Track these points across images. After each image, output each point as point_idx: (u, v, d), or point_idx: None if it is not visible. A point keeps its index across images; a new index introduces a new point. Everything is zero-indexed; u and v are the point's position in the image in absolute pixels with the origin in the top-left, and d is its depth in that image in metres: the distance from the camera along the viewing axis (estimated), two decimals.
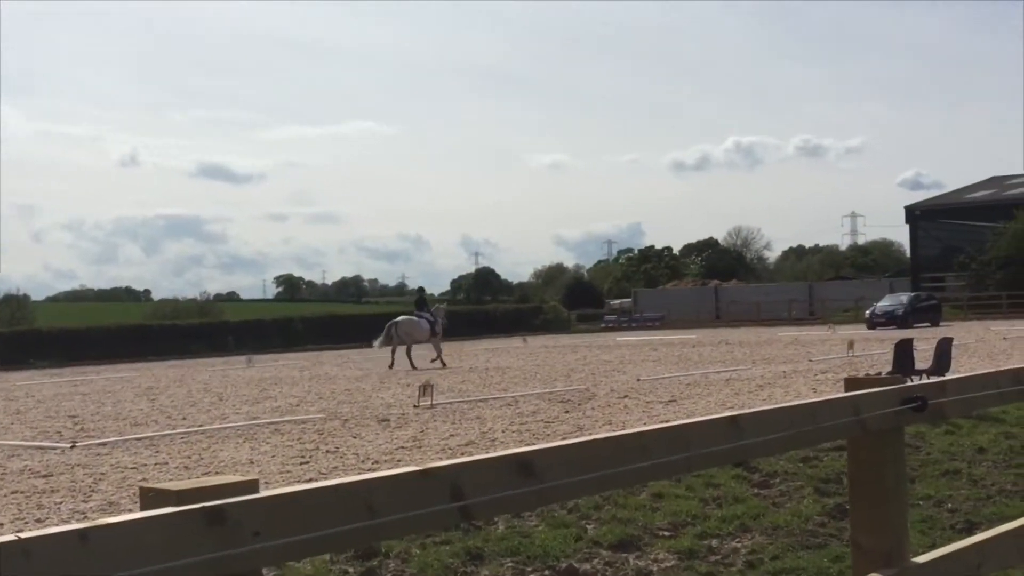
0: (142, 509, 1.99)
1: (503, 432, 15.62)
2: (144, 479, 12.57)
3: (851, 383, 4.00)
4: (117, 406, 23.84)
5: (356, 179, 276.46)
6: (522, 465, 2.53)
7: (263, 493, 2.09)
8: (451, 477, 2.38)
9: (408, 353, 34.74)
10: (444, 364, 34.54)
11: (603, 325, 78.40)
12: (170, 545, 1.88)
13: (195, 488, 2.01)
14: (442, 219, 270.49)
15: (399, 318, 36.56)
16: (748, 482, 10.02)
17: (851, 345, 31.74)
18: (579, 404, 19.38)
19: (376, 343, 37.33)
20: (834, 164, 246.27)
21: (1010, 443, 11.90)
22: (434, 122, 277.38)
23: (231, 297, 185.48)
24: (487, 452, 2.56)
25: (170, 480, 9.58)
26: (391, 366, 34.36)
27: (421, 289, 43.66)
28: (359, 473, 2.24)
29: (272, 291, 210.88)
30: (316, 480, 8.83)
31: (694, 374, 25.86)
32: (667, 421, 3.04)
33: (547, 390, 22.80)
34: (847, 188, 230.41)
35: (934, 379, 4.55)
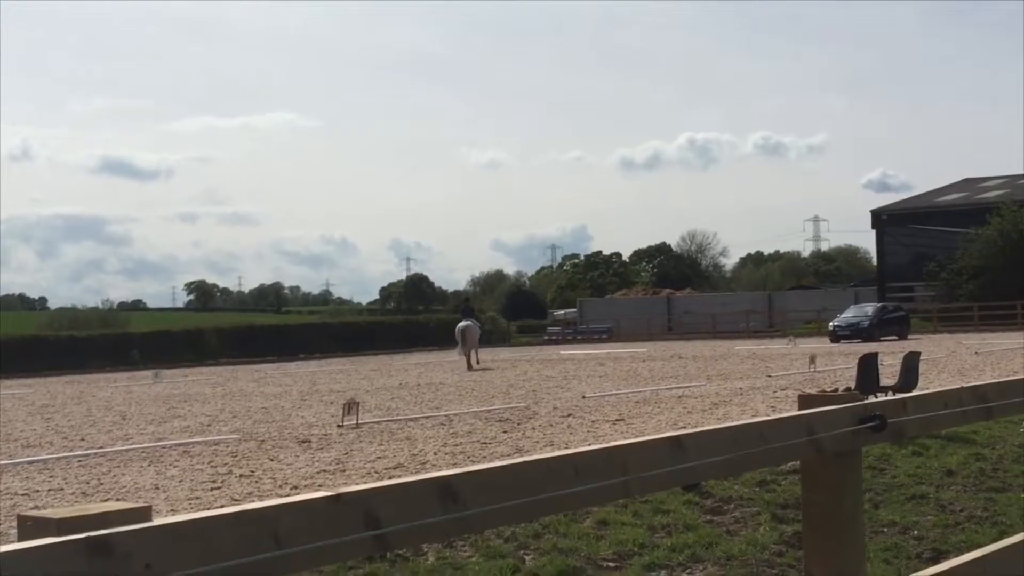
0: (20, 539, 1.97)
1: (435, 454, 15.60)
2: (36, 507, 12.41)
3: (805, 400, 4.04)
4: (7, 426, 23.50)
5: (274, 176, 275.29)
6: (444, 489, 2.53)
7: (156, 522, 2.07)
8: (365, 503, 2.37)
9: (469, 355, 41.34)
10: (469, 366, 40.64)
11: (546, 337, 78.61)
12: None
13: (78, 516, 1.99)
14: (370, 221, 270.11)
15: (466, 323, 42.29)
16: (700, 508, 10.08)
17: (813, 360, 32.09)
18: (519, 424, 19.39)
19: (457, 351, 43.64)
20: (795, 163, 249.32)
21: (980, 465, 12.07)
22: (360, 114, 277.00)
23: (136, 306, 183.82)
24: (412, 476, 2.56)
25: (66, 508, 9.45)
26: (468, 367, 40.29)
27: (467, 299, 53.52)
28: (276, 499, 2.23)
29: (182, 299, 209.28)
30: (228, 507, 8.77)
31: (644, 391, 25.99)
32: (613, 442, 3.08)
33: (484, 408, 22.80)
34: (809, 190, 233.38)
35: (900, 396, 4.60)
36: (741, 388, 25.54)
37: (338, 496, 2.33)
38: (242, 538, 2.15)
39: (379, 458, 15.40)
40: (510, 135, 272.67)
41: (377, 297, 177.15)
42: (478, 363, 41.94)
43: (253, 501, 11.89)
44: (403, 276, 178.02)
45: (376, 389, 31.18)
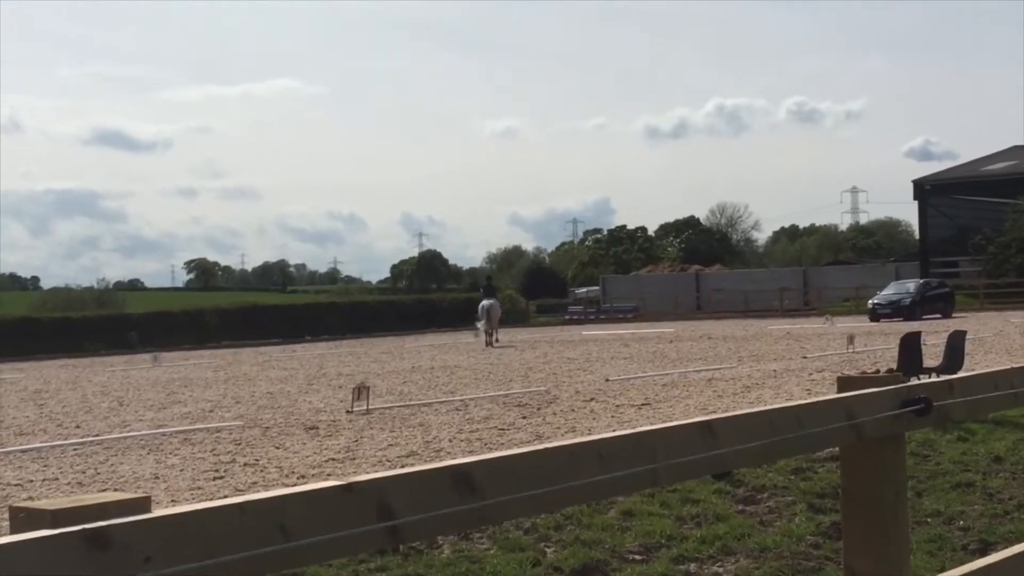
0: (12, 532, 1.97)
1: (450, 441, 15.64)
2: (30, 498, 12.47)
3: (844, 383, 4.03)
4: None
5: (277, 147, 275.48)
6: (460, 479, 2.53)
7: (156, 513, 2.07)
8: (377, 493, 2.37)
9: (489, 332, 45.50)
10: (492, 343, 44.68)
11: (567, 317, 78.54)
12: (44, 575, 1.86)
13: (74, 507, 1.99)
14: (379, 195, 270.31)
15: (488, 302, 46.79)
16: (732, 498, 10.09)
17: (851, 340, 32.02)
18: (538, 409, 19.42)
19: (480, 324, 47.28)
20: (832, 131, 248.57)
21: None
22: (368, 81, 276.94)
23: (134, 285, 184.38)
24: (427, 464, 2.56)
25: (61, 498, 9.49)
26: (487, 344, 44.57)
27: (489, 277, 60.57)
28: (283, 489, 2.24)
29: (182, 278, 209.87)
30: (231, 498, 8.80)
31: (671, 374, 25.98)
32: (640, 427, 3.09)
33: (502, 392, 22.83)
34: (847, 159, 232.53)
35: (943, 378, 4.58)
36: (775, 370, 25.51)
37: (349, 486, 2.33)
38: (247, 530, 2.16)
39: (391, 445, 15.44)
40: (527, 102, 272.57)
41: (388, 275, 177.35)
42: (497, 341, 45.14)
43: (258, 491, 11.94)
44: (415, 253, 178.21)
45: (387, 372, 31.23)
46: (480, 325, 47.11)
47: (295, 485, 3.08)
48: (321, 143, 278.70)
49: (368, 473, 2.52)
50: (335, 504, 2.30)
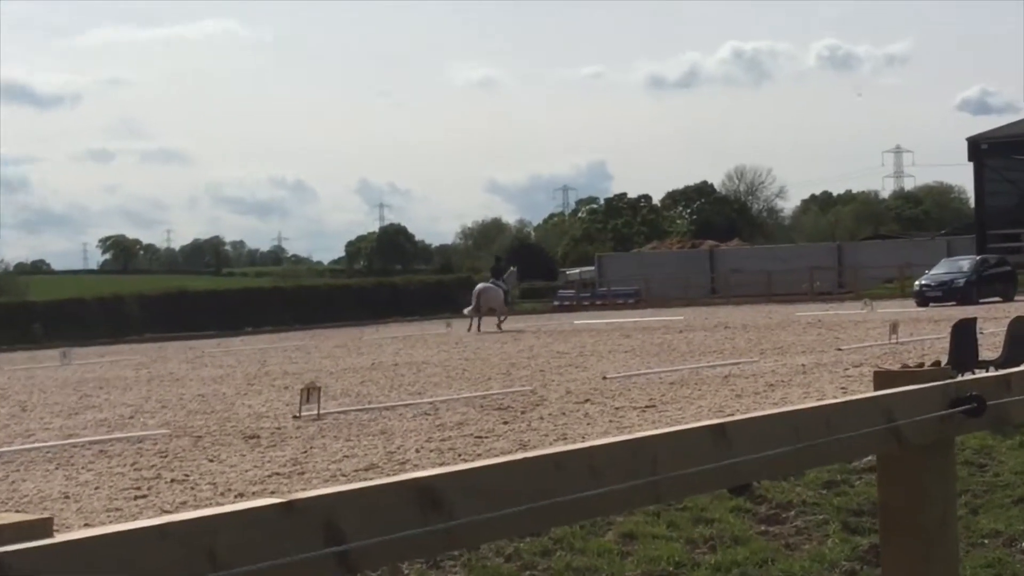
0: None
1: (417, 452, 15.65)
2: None
3: (882, 378, 4.04)
4: None
5: (210, 103, 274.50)
6: (423, 494, 2.53)
7: (60, 538, 2.07)
8: (325, 512, 2.37)
9: (479, 320, 49.76)
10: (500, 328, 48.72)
11: (557, 303, 78.67)
12: None
13: None
14: (332, 158, 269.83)
15: (482, 285, 51.61)
16: (752, 516, 10.13)
17: (895, 328, 32.11)
18: (523, 412, 19.43)
19: (467, 311, 51.64)
20: (871, 79, 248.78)
21: None
22: (319, 23, 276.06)
23: (38, 268, 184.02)
24: (385, 478, 2.57)
25: None
26: (469, 329, 49.07)
27: (498, 259, 60.99)
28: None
29: (96, 259, 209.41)
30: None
31: (681, 370, 26.04)
32: (638, 433, 3.09)
33: (479, 393, 22.85)
34: (889, 113, 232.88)
35: (1000, 373, 4.60)
36: (804, 365, 25.58)
37: (290, 504, 2.33)
38: (169, 557, 2.15)
39: (346, 457, 15.44)
40: (507, 46, 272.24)
41: (342, 254, 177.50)
42: (499, 328, 49.06)
43: (187, 511, 11.95)
44: (375, 228, 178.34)
45: (342, 370, 31.23)
46: (466, 312, 51.47)
47: (230, 504, 3.11)
48: (262, 97, 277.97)
49: (315, 489, 2.52)
50: (274, 526, 2.30)
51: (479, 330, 48.89)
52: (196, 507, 12.42)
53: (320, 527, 2.37)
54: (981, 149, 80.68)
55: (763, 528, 9.85)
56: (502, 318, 50.50)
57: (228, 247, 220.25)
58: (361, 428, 18.40)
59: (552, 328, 50.05)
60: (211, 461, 15.82)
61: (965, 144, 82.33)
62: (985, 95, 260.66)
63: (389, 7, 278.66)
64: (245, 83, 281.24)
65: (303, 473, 14.37)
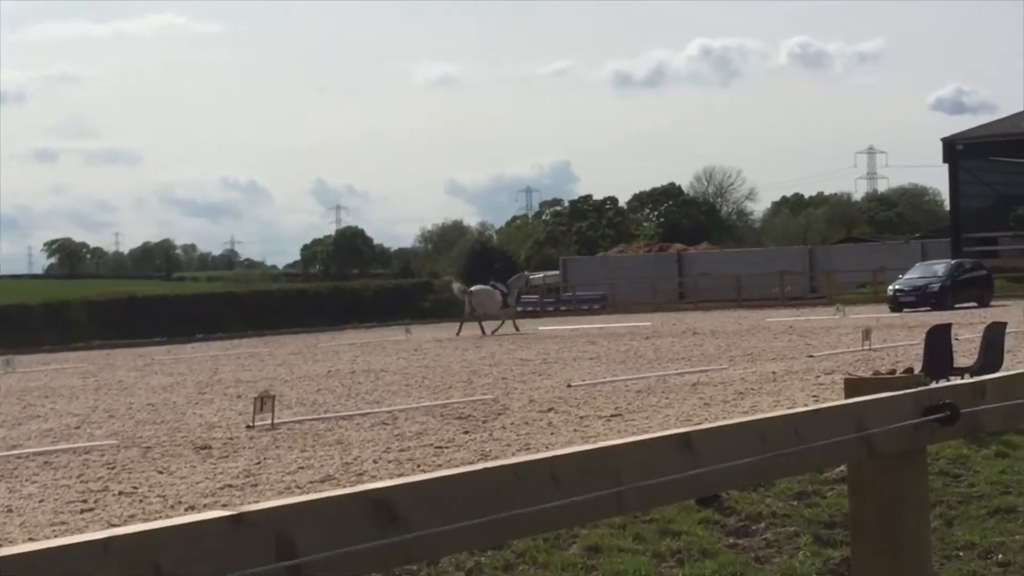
0: None
1: (375, 462, 15.63)
2: None
3: (853, 385, 4.06)
4: None
5: (159, 100, 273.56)
6: (379, 506, 2.53)
7: (0, 552, 2.06)
8: (276, 525, 2.37)
9: (480, 322, 50.95)
10: (516, 328, 51.15)
11: (520, 308, 78.64)
12: None
13: None
14: (286, 159, 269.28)
15: (476, 288, 53.05)
16: (721, 529, 10.14)
17: (867, 334, 32.24)
18: (484, 421, 19.43)
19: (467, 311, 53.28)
20: (843, 78, 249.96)
21: None
22: (272, 17, 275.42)
23: None
24: (339, 489, 2.56)
25: None
26: (484, 334, 49.55)
27: (498, 262, 63.40)
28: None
29: (41, 263, 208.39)
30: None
31: (648, 377, 26.07)
32: (602, 442, 3.10)
33: (439, 402, 22.83)
34: (861, 113, 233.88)
35: (974, 380, 4.63)
36: (774, 372, 25.66)
37: (240, 516, 2.33)
38: (113, 572, 2.15)
39: (301, 468, 15.40)
40: (468, 43, 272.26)
41: (298, 258, 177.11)
42: (494, 332, 50.26)
43: (135, 525, 11.91)
44: (331, 231, 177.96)
45: (297, 378, 31.16)
46: (469, 312, 53.05)
47: (179, 517, 3.10)
48: (213, 95, 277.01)
49: (267, 502, 2.52)
50: (223, 539, 2.30)
51: (484, 333, 49.85)
52: (145, 520, 12.38)
53: (271, 540, 2.36)
54: (956, 150, 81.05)
55: (732, 541, 9.87)
56: (500, 322, 51.83)
57: (179, 251, 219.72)
58: (317, 438, 18.35)
59: (515, 334, 50.06)
60: (161, 473, 15.75)
61: (940, 145, 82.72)
62: (960, 94, 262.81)
63: (345, 2, 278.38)
64: (196, 80, 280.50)
65: (256, 485, 14.33)
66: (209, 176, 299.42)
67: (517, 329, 51.01)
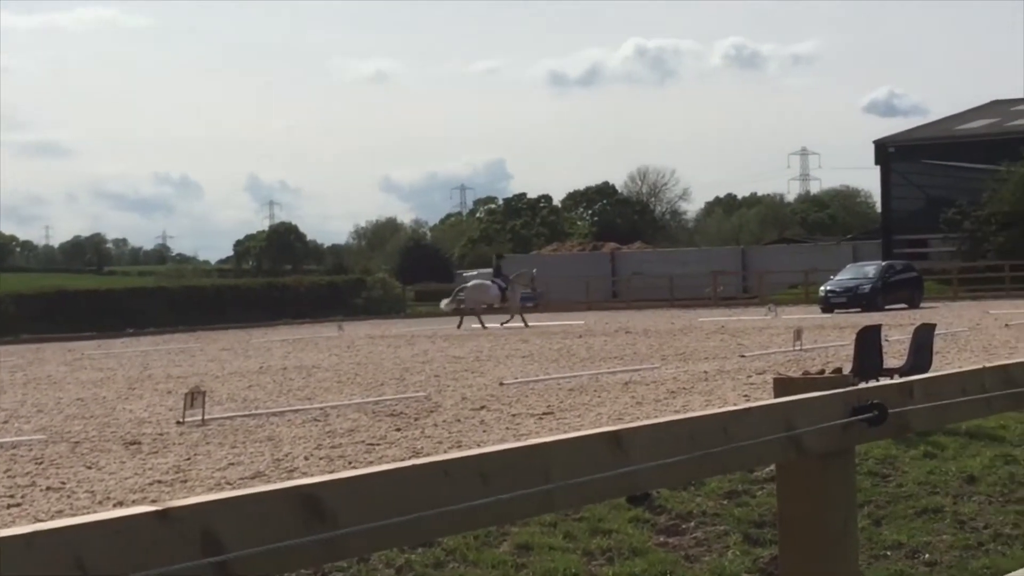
0: None
1: (306, 459, 15.58)
2: None
3: (782, 385, 4.07)
4: None
5: (89, 93, 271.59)
6: (306, 502, 2.52)
7: None
8: (202, 520, 2.35)
9: (479, 317, 51.83)
10: (505, 322, 51.35)
11: (453, 306, 78.59)
12: None
13: None
14: (219, 153, 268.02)
15: (475, 281, 54.86)
16: (651, 527, 10.17)
17: (799, 335, 32.42)
18: (416, 419, 19.41)
19: (443, 303, 55.34)
20: (777, 80, 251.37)
21: (1010, 469, 12.29)
22: (204, 10, 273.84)
23: None
24: (264, 485, 2.55)
25: None
26: (484, 327, 50.54)
27: (500, 256, 66.25)
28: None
29: None
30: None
31: (581, 376, 26.12)
32: (531, 439, 3.12)
33: (371, 399, 22.80)
34: (795, 114, 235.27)
35: (906, 380, 4.66)
36: (706, 371, 25.75)
37: (165, 512, 2.31)
38: (35, 567, 2.13)
39: (231, 465, 15.34)
40: (402, 40, 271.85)
41: (230, 254, 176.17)
42: (504, 324, 51.45)
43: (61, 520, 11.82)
44: (264, 226, 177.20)
45: (228, 374, 31.02)
46: (443, 303, 55.25)
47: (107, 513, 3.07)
48: (145, 88, 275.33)
49: (191, 497, 2.50)
50: (148, 535, 2.28)
51: (483, 326, 50.58)
52: (73, 516, 12.30)
53: (197, 536, 2.35)
54: (888, 152, 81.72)
55: (662, 539, 9.90)
56: (510, 316, 52.69)
57: (110, 245, 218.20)
58: (247, 434, 18.29)
59: (448, 332, 50.03)
60: (89, 468, 15.65)
61: (872, 147, 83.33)
62: (892, 97, 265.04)
63: None
64: (128, 73, 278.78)
65: (186, 481, 14.26)
66: (141, 170, 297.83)
67: (525, 324, 50.73)
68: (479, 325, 50.85)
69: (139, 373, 32.75)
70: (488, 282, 54.63)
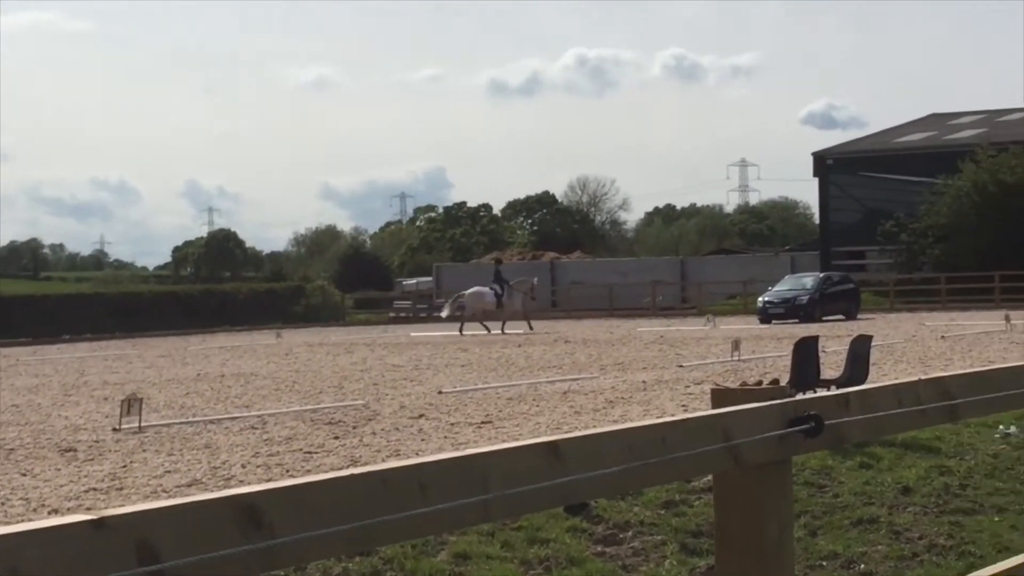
0: None
1: (243, 467, 15.53)
2: None
3: (720, 396, 4.09)
4: None
5: (26, 97, 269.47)
6: (244, 512, 2.51)
7: None
8: (138, 529, 2.34)
9: (482, 322, 53.88)
10: (531, 328, 53.09)
11: (392, 315, 78.56)
12: None
13: None
14: (157, 159, 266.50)
15: (474, 289, 55.59)
16: (589, 537, 10.18)
17: (737, 345, 32.57)
18: (355, 427, 19.37)
19: (444, 312, 57.08)
20: (716, 91, 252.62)
21: (945, 481, 12.39)
22: (144, 15, 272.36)
23: None
24: (200, 494, 2.54)
25: None
26: (488, 331, 52.22)
27: (497, 260, 67.23)
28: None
29: None
30: None
31: (519, 385, 26.12)
32: (470, 449, 3.12)
33: (310, 407, 22.73)
34: (734, 126, 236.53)
35: (842, 391, 4.69)
36: (645, 381, 25.82)
37: (101, 520, 2.30)
38: None
39: (168, 472, 15.26)
40: (342, 47, 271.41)
41: (169, 260, 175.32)
42: (503, 331, 52.40)
43: None
44: (203, 233, 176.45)
45: (166, 381, 30.87)
46: (444, 312, 56.98)
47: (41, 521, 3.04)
48: (83, 92, 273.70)
49: (127, 505, 2.49)
50: (83, 544, 2.27)
51: (488, 331, 52.27)
52: (7, 524, 12.20)
53: (133, 545, 2.34)
54: (826, 164, 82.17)
55: (600, 549, 9.91)
56: (504, 320, 54.20)
57: (47, 250, 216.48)
58: (184, 442, 18.20)
59: (387, 340, 49.97)
60: (24, 475, 15.54)
61: (810, 159, 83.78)
62: (831, 109, 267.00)
63: (217, 2, 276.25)
64: (64, 77, 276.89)
65: (122, 489, 14.17)
66: (79, 176, 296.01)
67: (531, 328, 52.93)
68: (485, 331, 52.37)
69: (75, 380, 32.54)
70: (487, 289, 55.63)
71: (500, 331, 52.26)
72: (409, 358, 36.98)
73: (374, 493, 2.77)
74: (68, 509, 12.96)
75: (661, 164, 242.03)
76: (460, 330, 52.77)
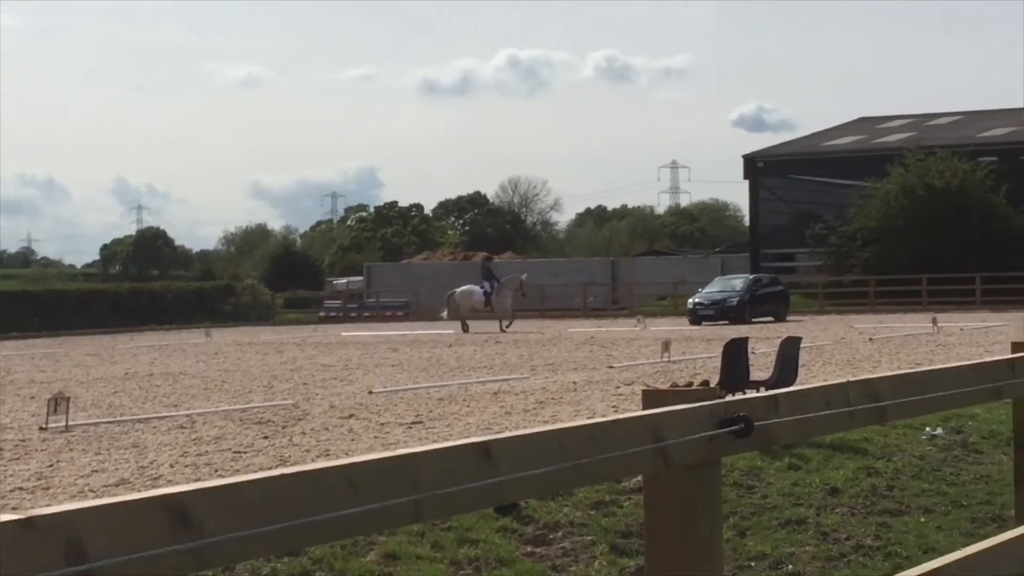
0: None
1: (171, 467, 15.45)
2: None
3: (650, 397, 4.10)
4: None
5: None
6: (172, 511, 2.50)
7: None
8: (66, 529, 2.33)
9: (463, 321, 54.36)
10: (507, 327, 53.16)
11: (322, 314, 78.43)
12: None
13: None
14: (85, 156, 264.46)
15: (463, 288, 56.87)
16: (519, 537, 10.20)
17: (667, 346, 32.68)
18: (284, 427, 19.31)
19: (444, 313, 57.36)
20: (648, 92, 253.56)
21: (872, 482, 12.50)
22: (73, 10, 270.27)
23: None
24: (129, 494, 2.53)
25: None
26: (465, 331, 52.85)
27: (487, 258, 68.25)
28: None
29: None
30: None
31: (450, 385, 26.13)
32: (401, 450, 3.12)
33: (239, 407, 22.65)
34: (665, 127, 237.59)
35: (772, 393, 4.72)
36: (575, 382, 25.87)
37: (29, 520, 2.29)
38: None
39: (96, 472, 15.17)
40: (273, 44, 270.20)
41: (97, 258, 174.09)
42: (503, 329, 52.99)
43: None
44: (131, 231, 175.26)
45: (93, 380, 30.67)
46: (443, 315, 57.08)
47: None
48: (9, 88, 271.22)
49: (54, 505, 2.47)
50: (11, 544, 2.25)
51: (465, 330, 52.91)
52: None
53: (60, 545, 2.33)
54: (757, 167, 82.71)
55: (530, 549, 9.93)
56: (500, 319, 54.62)
57: None
58: (112, 441, 18.09)
59: (317, 340, 49.86)
60: None
61: (741, 161, 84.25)
62: (762, 112, 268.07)
63: None
64: None
65: (48, 488, 14.07)
66: (5, 172, 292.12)
67: (504, 328, 52.94)
68: (463, 330, 52.67)
69: (1, 378, 32.27)
70: (476, 287, 56.67)
71: (500, 330, 52.09)
72: (339, 358, 36.92)
73: (304, 493, 2.77)
74: None
75: (593, 165, 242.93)
76: (464, 328, 53.27)
